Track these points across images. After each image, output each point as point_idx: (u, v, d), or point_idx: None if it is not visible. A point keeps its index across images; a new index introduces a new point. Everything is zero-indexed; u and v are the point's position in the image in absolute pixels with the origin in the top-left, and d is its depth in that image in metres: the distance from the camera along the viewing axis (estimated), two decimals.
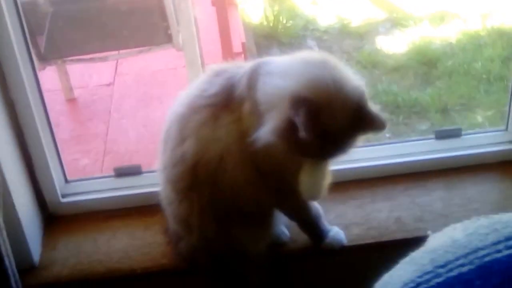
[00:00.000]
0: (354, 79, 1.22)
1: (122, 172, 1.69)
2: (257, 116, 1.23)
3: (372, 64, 3.69)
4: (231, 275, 1.46)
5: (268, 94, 1.21)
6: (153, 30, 2.84)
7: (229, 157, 1.28)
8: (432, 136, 1.71)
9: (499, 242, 0.77)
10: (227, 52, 3.23)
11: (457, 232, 0.83)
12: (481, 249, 0.77)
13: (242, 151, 1.27)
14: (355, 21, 4.11)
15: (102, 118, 3.03)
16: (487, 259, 0.75)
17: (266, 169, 1.30)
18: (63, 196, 1.64)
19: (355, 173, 1.65)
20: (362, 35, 4.03)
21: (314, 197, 1.36)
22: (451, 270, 0.75)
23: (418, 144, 1.72)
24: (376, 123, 1.20)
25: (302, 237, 1.49)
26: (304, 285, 1.56)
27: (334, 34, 4.05)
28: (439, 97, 3.40)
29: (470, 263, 0.76)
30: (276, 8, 4.18)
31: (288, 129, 1.15)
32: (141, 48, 2.86)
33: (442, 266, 0.77)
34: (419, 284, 0.76)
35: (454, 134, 1.69)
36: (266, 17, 4.10)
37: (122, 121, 3.01)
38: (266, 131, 1.18)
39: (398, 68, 3.66)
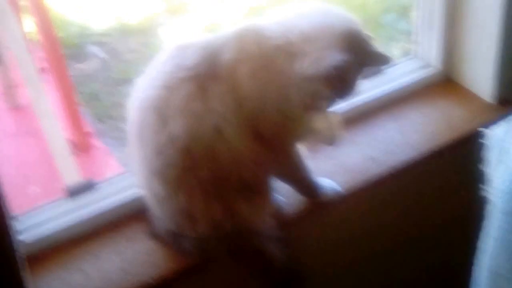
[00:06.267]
0: None
1: (75, 190, 1.50)
2: (267, 72, 1.20)
3: None
4: (248, 254, 1.39)
5: (300, 41, 1.20)
6: None
7: (227, 127, 1.22)
8: None
9: None
10: None
11: None
12: None
13: (240, 119, 1.23)
14: (132, 18, 3.98)
15: None
16: None
17: (269, 131, 1.27)
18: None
19: None
20: (144, 31, 3.93)
21: (337, 140, 1.39)
22: None
23: None
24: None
25: (296, 199, 1.48)
26: (309, 244, 1.56)
27: (115, 35, 3.91)
28: None
29: None
30: None
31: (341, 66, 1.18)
32: None
33: None
34: None
35: (378, 71, 1.78)
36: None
37: None
38: (317, 66, 1.18)
39: None
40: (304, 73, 1.19)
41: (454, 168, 1.75)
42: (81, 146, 2.97)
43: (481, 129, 1.23)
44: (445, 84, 1.84)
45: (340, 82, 1.20)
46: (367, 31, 1.26)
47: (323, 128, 1.30)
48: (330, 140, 1.35)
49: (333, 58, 1.18)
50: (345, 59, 1.18)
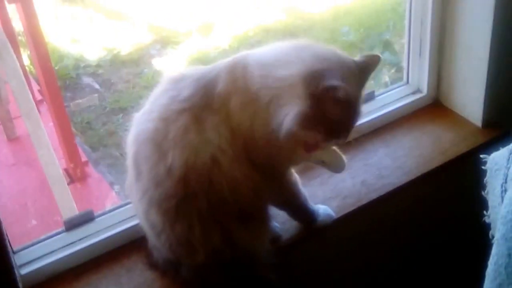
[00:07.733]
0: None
1: (74, 223, 1.52)
2: (254, 107, 1.22)
3: None
4: (246, 281, 1.41)
5: (273, 87, 1.20)
6: None
7: (223, 157, 1.24)
8: None
9: None
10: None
11: None
12: None
13: (236, 148, 1.25)
14: (124, 49, 4.07)
15: None
16: None
17: (262, 160, 1.29)
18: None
19: None
20: (137, 61, 4.03)
21: (343, 166, 1.42)
22: None
23: None
24: (373, 62, 1.27)
25: (291, 225, 1.51)
26: (306, 268, 1.58)
27: (108, 66, 4.00)
28: None
29: None
30: None
31: (314, 114, 1.17)
32: None
33: None
34: None
35: (370, 97, 1.83)
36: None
37: None
38: (289, 123, 1.18)
39: None
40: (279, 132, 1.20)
41: (444, 191, 1.78)
42: (76, 175, 2.99)
43: (482, 155, 1.26)
44: (434, 108, 1.88)
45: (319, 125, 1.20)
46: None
47: (329, 160, 1.36)
48: (336, 168, 1.40)
49: (292, 116, 1.17)
50: (306, 111, 1.17)
